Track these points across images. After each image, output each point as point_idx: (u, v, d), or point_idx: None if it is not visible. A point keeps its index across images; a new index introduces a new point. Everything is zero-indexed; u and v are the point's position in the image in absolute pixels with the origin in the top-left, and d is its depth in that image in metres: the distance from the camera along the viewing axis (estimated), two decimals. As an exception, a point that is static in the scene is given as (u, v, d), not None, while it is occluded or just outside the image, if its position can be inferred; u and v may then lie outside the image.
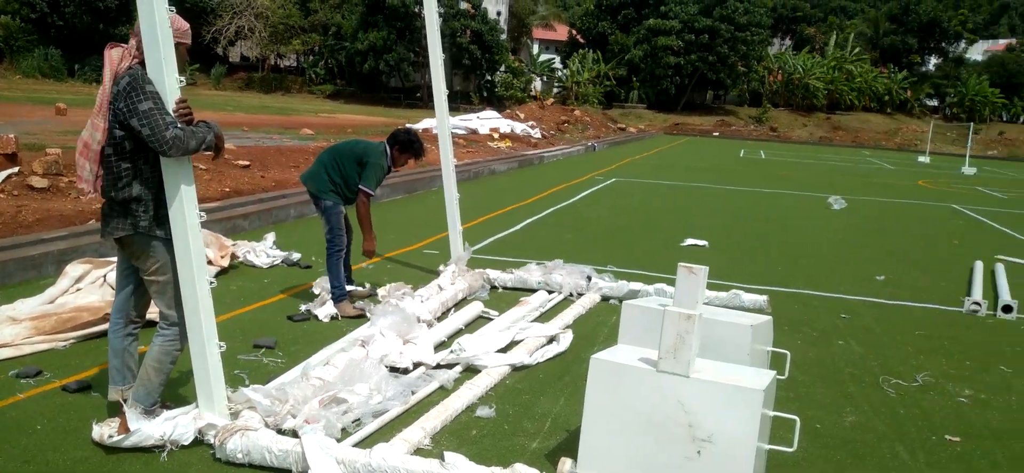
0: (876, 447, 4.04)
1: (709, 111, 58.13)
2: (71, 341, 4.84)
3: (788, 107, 58.23)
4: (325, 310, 5.76)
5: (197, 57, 51.01)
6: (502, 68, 52.81)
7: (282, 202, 9.92)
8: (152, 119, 3.31)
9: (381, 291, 6.30)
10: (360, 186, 5.94)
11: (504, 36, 56.60)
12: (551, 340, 5.32)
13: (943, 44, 68.25)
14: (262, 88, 53.18)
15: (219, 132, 3.61)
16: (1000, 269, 8.72)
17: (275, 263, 7.29)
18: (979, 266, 8.81)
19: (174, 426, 3.48)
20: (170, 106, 3.41)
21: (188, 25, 3.64)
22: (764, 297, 6.69)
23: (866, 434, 4.20)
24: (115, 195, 3.47)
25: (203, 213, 3.59)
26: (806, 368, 5.20)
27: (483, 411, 4.14)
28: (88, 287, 5.59)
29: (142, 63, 3.44)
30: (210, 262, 6.63)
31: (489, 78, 53.30)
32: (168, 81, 3.41)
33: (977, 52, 72.69)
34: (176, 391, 4.19)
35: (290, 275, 6.98)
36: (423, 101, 49.66)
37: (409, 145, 6.16)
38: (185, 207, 3.47)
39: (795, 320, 6.43)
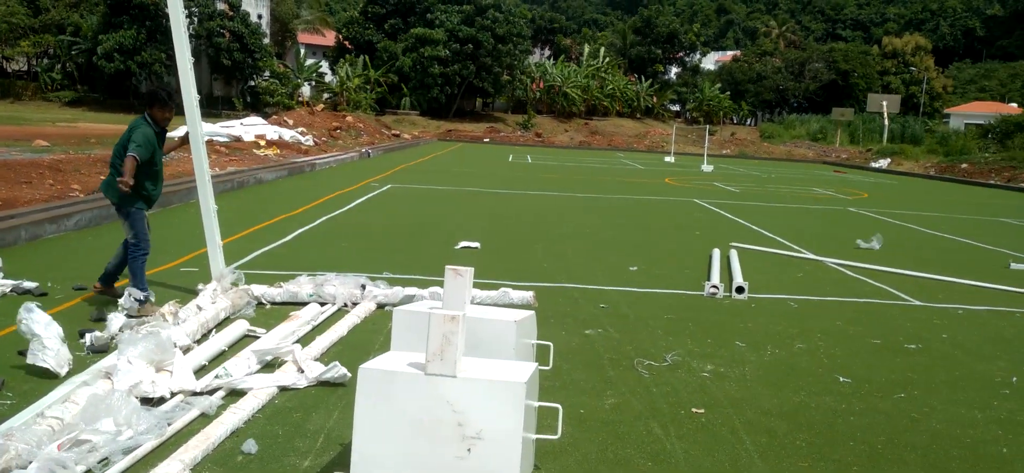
0: (633, 426, 4.38)
1: (479, 118, 59.87)
2: None
3: (550, 113, 61.49)
4: (117, 323, 5.39)
5: None
6: (266, 73, 50.77)
7: (11, 223, 8.78)
8: None
9: (165, 308, 5.75)
10: (128, 152, 6.06)
11: (267, 40, 54.41)
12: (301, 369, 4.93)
13: (681, 55, 75.78)
14: (-17, 95, 46.85)
15: None
16: (734, 255, 9.82)
17: (3, 292, 6.43)
18: (717, 253, 9.87)
19: None
20: None
21: None
22: (531, 293, 7.00)
23: (624, 414, 4.54)
24: None
25: None
26: (569, 357, 5.51)
27: (249, 437, 3.94)
28: None
29: None
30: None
31: (253, 83, 50.99)
32: None
33: (710, 62, 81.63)
34: None
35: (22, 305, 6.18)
36: (178, 107, 46.33)
37: (155, 97, 6.40)
38: None
39: (560, 313, 6.80)
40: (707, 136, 41.05)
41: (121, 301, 6.03)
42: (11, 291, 6.50)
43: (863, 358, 5.96)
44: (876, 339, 6.52)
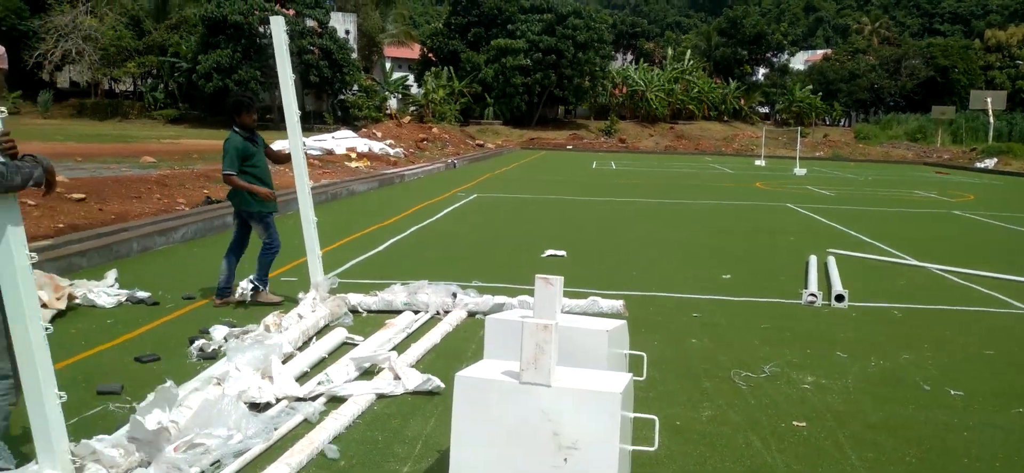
0: (731, 438, 4.29)
1: (561, 125, 59.89)
2: None
3: (634, 118, 60.97)
4: (222, 332, 5.71)
5: (19, 83, 47.16)
6: (354, 87, 52.15)
7: (124, 236, 9.31)
8: None
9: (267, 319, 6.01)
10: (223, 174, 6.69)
11: (355, 54, 55.92)
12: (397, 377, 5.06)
13: (769, 55, 73.86)
14: (96, 115, 49.84)
15: (49, 165, 3.35)
16: (832, 262, 9.49)
17: (120, 302, 6.82)
18: (813, 260, 9.56)
19: (9, 488, 3.18)
20: None
21: (3, 49, 3.36)
22: (621, 302, 6.95)
23: (722, 427, 4.45)
24: None
25: (34, 254, 3.32)
26: (663, 367, 5.45)
27: (351, 440, 4.05)
28: None
29: None
30: (44, 305, 6.12)
31: (342, 97, 52.47)
32: None
33: (799, 62, 79.24)
34: (17, 449, 3.83)
35: (136, 314, 6.55)
36: (274, 122, 48.11)
37: (237, 104, 6.83)
38: (13, 249, 3.19)
39: (651, 322, 6.72)
40: (799, 138, 39.88)
41: (241, 285, 6.82)
42: (126, 300, 6.89)
43: (975, 370, 5.66)
44: (989, 350, 6.18)
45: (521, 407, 3.24)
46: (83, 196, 11.33)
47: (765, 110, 71.95)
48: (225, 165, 6.68)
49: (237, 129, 6.76)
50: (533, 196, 18.31)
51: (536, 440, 3.23)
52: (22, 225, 3.27)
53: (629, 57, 78.17)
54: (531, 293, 6.96)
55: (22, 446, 3.86)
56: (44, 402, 3.29)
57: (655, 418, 3.56)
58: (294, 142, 6.69)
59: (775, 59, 74.94)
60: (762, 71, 74.98)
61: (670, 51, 69.31)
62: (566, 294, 6.53)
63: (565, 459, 3.21)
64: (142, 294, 7.01)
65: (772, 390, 5.09)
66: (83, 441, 3.53)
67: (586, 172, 28.08)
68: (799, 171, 30.93)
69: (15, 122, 33.93)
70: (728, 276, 8.95)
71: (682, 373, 5.38)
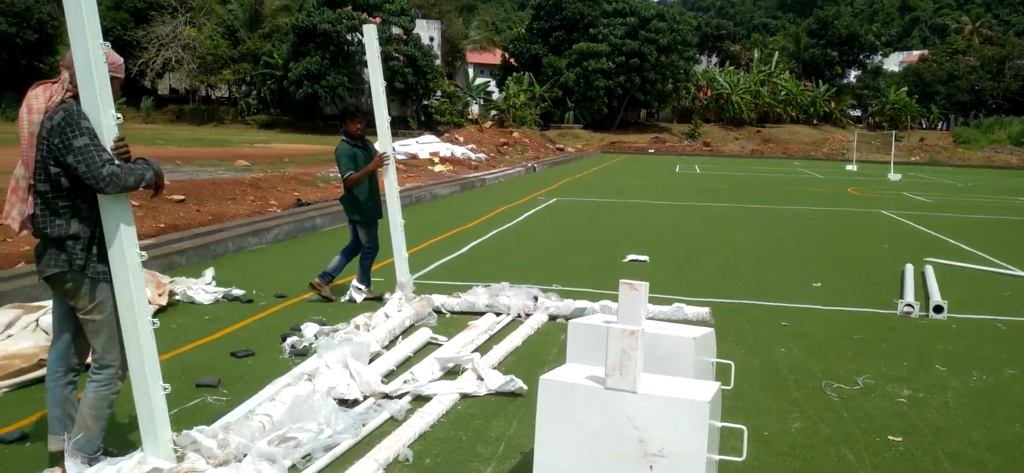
0: (823, 451, 4.15)
1: (643, 128, 59.30)
2: (4, 389, 4.64)
3: (719, 122, 59.82)
4: (312, 330, 5.93)
5: (123, 90, 49.81)
6: (438, 93, 52.94)
7: (220, 236, 9.72)
8: (88, 155, 3.22)
9: (357, 318, 6.20)
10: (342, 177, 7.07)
11: (438, 61, 56.76)
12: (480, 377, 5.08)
13: (861, 56, 71.17)
14: (194, 120, 52.14)
15: (158, 169, 3.53)
16: (929, 271, 9.08)
17: (217, 299, 7.12)
18: (910, 269, 9.16)
19: (118, 470, 3.36)
20: (107, 143, 3.32)
21: (122, 59, 3.56)
22: (706, 309, 6.83)
23: (813, 439, 4.31)
24: (50, 232, 3.35)
25: (143, 253, 3.50)
26: (751, 377, 5.32)
27: (436, 439, 4.12)
28: (20, 333, 5.36)
29: (75, 96, 3.35)
30: (148, 301, 6.44)
31: (426, 103, 53.32)
32: (104, 118, 3.33)
33: (893, 63, 76.02)
34: (124, 436, 4.05)
35: (232, 311, 6.82)
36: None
37: (345, 112, 7.25)
38: (124, 247, 3.37)
39: (738, 330, 6.58)
40: (893, 142, 38.32)
41: (350, 292, 7.21)
42: (223, 297, 7.18)
43: (1090, 388, 5.31)
44: (1105, 367, 5.79)
45: (606, 413, 3.22)
46: (182, 198, 11.88)
47: (857, 113, 69.39)
48: (342, 171, 7.04)
49: (345, 137, 7.07)
50: (614, 200, 18.18)
51: (621, 446, 3.21)
52: (133, 224, 3.46)
53: (714, 60, 76.70)
54: (613, 298, 6.94)
55: (129, 434, 4.08)
56: (150, 393, 3.46)
57: (743, 428, 3.49)
58: (384, 146, 6.86)
59: (868, 60, 72.18)
60: (854, 73, 72.33)
61: (757, 53, 67.65)
62: (650, 300, 6.44)
63: (651, 467, 3.17)
64: (237, 292, 7.30)
65: (866, 403, 4.90)
66: (184, 431, 3.70)
67: (669, 176, 27.70)
68: (894, 176, 29.72)
69: (120, 127, 35.78)
70: (818, 284, 8.68)
71: (770, 383, 5.24)
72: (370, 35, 6.69)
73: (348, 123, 7.07)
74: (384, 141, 6.85)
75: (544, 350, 5.90)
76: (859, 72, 71.96)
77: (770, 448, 4.17)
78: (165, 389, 3.54)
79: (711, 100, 61.33)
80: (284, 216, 11.79)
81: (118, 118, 3.40)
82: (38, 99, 3.34)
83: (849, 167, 36.99)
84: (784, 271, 9.52)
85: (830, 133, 59.45)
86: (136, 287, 3.41)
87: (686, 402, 3.13)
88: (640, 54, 53.67)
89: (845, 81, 70.47)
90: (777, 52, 68.27)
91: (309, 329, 5.95)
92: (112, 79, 3.39)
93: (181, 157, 21.69)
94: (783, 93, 61.93)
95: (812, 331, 6.65)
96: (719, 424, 3.48)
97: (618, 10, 57.49)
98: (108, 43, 3.35)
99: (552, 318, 6.78)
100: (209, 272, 7.68)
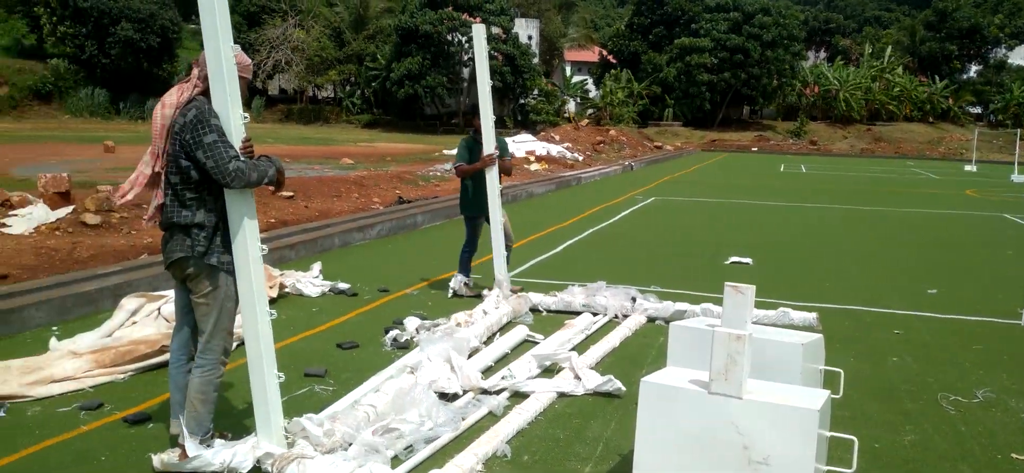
0: (938, 467, 3.95)
1: (746, 126, 57.68)
2: (130, 373, 4.97)
3: (826, 120, 57.52)
4: (413, 323, 6.10)
5: (241, 90, 52.18)
6: (535, 91, 53.08)
7: (327, 231, 10.07)
8: (216, 151, 3.42)
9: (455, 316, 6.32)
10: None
11: (536, 59, 56.90)
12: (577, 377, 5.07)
13: (983, 50, 66.90)
14: (301, 119, 54.14)
15: (280, 166, 3.71)
16: (1057, 279, 8.49)
17: (323, 292, 7.39)
18: (1035, 276, 8.58)
19: (233, 454, 3.55)
20: (236, 141, 3.51)
21: (250, 60, 3.75)
22: (813, 314, 6.60)
23: (927, 453, 4.10)
24: (177, 220, 3.57)
25: (264, 247, 3.67)
26: (861, 386, 5.10)
27: (533, 436, 4.14)
28: (143, 320, 5.72)
29: (204, 93, 3.55)
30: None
31: (522, 101, 53.58)
32: (233, 117, 3.51)
33: (1019, 57, 71.06)
34: (241, 421, 4.26)
35: (338, 304, 7.06)
36: (459, 127, 50.00)
37: (474, 109, 7.67)
38: (247, 240, 3.56)
39: (847, 337, 6.32)
40: (1018, 141, 35.89)
41: (451, 283, 7.51)
42: (329, 290, 7.45)
43: None
44: None
45: (709, 417, 3.17)
46: (292, 194, 12.38)
47: (977, 110, 65.28)
48: (457, 157, 7.42)
49: (473, 132, 7.33)
50: (715, 200, 17.78)
51: (724, 452, 3.15)
52: (256, 219, 3.64)
53: (822, 54, 73.75)
54: (715, 300, 6.80)
55: (245, 419, 4.29)
56: (265, 381, 3.63)
57: (854, 439, 3.36)
58: (488, 145, 6.92)
59: (990, 54, 67.73)
60: (974, 68, 68.05)
61: (868, 47, 64.65)
62: (754, 304, 6.28)
63: (755, 474, 3.10)
64: (343, 285, 7.55)
65: (986, 417, 4.62)
66: (295, 419, 3.86)
67: (773, 175, 26.87)
68: (1018, 178, 27.86)
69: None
70: (934, 291, 8.24)
71: (882, 393, 5.01)
72: (478, 35, 6.76)
73: (474, 119, 7.25)
74: (488, 142, 6.92)
75: (642, 352, 5.83)
76: (980, 67, 67.58)
77: (880, 461, 4.00)
78: (279, 377, 3.70)
79: (818, 97, 59.01)
80: (386, 213, 12.11)
81: (245, 117, 3.58)
82: (172, 96, 3.57)
83: (968, 167, 34.89)
84: (897, 276, 9.08)
85: (947, 131, 56.23)
86: (256, 278, 3.59)
87: (794, 410, 3.04)
88: (743, 50, 52.24)
89: (965, 76, 66.39)
90: (890, 46, 65.00)
91: (410, 323, 6.10)
92: (240, 79, 3.58)
93: (289, 155, 22.59)
94: (896, 89, 58.94)
95: (927, 340, 6.32)
96: (828, 434, 3.37)
97: (721, 5, 56.11)
98: (238, 45, 3.53)
99: (651, 320, 6.70)
100: (316, 266, 7.98)
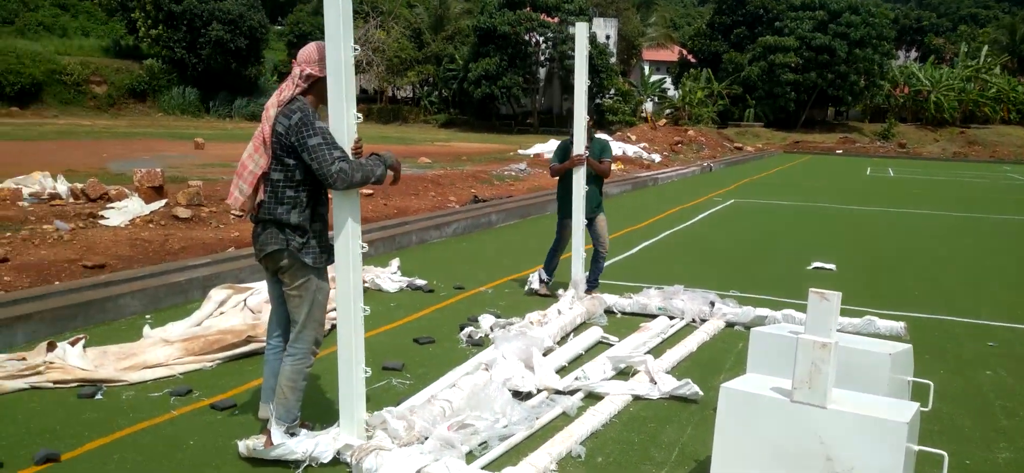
0: (1036, 487, 3.75)
1: (831, 128, 55.85)
2: (217, 361, 5.16)
3: (916, 122, 55.20)
4: (488, 321, 6.15)
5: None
6: (611, 91, 52.71)
7: (404, 229, 10.24)
8: (320, 153, 3.53)
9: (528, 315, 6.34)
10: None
11: (614, 59, 56.48)
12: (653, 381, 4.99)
13: (1093, 48, 63.05)
14: (380, 119, 55.24)
15: (392, 163, 3.76)
16: None
17: (401, 288, 7.52)
18: None
19: (315, 444, 3.65)
20: (349, 140, 3.61)
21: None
22: (901, 324, 6.35)
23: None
24: (275, 217, 3.69)
25: (365, 245, 3.77)
26: (951, 400, 4.88)
27: (607, 438, 4.11)
28: (231, 311, 5.94)
29: (304, 92, 3.65)
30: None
31: (598, 101, 53.27)
32: (348, 118, 3.59)
33: None
34: (326, 411, 4.37)
35: (415, 300, 7.18)
36: (534, 127, 50.12)
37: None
38: (350, 239, 3.66)
39: (937, 348, 6.06)
40: None
41: (529, 277, 7.56)
42: (406, 286, 7.58)
43: None
44: None
45: (792, 426, 3.09)
46: (371, 192, 12.63)
47: (1083, 112, 61.47)
48: (552, 158, 7.41)
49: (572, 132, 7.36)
50: (797, 203, 17.30)
51: (806, 462, 3.07)
52: (359, 220, 3.73)
53: (913, 54, 70.85)
54: (797, 307, 6.62)
55: (327, 409, 4.40)
56: (353, 374, 3.72)
57: (944, 454, 3.23)
58: (579, 144, 6.87)
59: (1100, 53, 63.77)
60: (1082, 67, 64.17)
61: (963, 47, 61.73)
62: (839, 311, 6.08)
63: (838, 486, 3.00)
64: (420, 282, 7.67)
65: (1093, 439, 4.36)
66: (376, 412, 3.94)
67: (859, 179, 25.96)
68: None
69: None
70: (1033, 303, 7.81)
71: (974, 408, 4.78)
72: (581, 32, 6.73)
73: (592, 125, 7.18)
74: (579, 142, 6.89)
75: (720, 358, 5.73)
76: (1088, 66, 63.77)
77: (974, 479, 3.81)
78: (366, 372, 3.79)
79: (908, 98, 56.67)
80: (462, 211, 12.23)
81: (358, 117, 3.66)
82: (274, 95, 3.70)
83: (1073, 173, 32.91)
84: (992, 286, 8.65)
85: (1050, 135, 53.16)
86: (355, 276, 3.70)
87: (882, 422, 2.94)
88: (830, 49, 50.59)
89: (1071, 76, 62.70)
90: (987, 45, 61.94)
91: (485, 321, 6.15)
92: None
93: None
94: (993, 90, 56.05)
95: (1025, 354, 6.00)
96: (916, 448, 3.24)
97: (805, 3, 54.50)
98: (358, 47, 3.60)
99: (729, 325, 6.56)
100: (395, 262, 8.12)
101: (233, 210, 3.88)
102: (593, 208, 7.22)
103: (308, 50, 3.68)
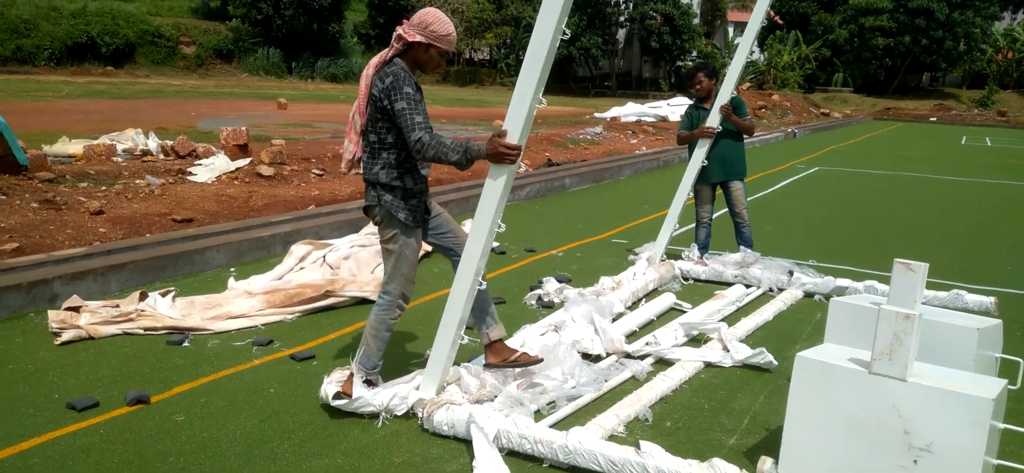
0: None
1: (924, 94, 53.25)
2: (297, 314, 5.35)
3: (1020, 89, 52.08)
4: (553, 285, 6.09)
5: (399, 53, 54.08)
6: (693, 53, 51.46)
7: (478, 191, 10.29)
8: (404, 118, 3.61)
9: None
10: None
11: (697, 20, 55.02)
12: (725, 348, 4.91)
13: None
14: (457, 81, 55.43)
15: (475, 155, 3.67)
16: None
17: (472, 249, 7.58)
18: None
19: (392, 395, 3.76)
20: (524, 130, 3.62)
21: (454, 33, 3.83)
22: (991, 298, 6.06)
23: (1121, 458, 3.69)
24: (368, 176, 3.82)
25: (502, 224, 3.84)
26: (1044, 380, 4.65)
27: (677, 404, 4.09)
28: (310, 266, 6.13)
29: (400, 54, 3.71)
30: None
31: (679, 64, 52.11)
32: (532, 98, 3.53)
33: None
34: (405, 366, 4.49)
35: (487, 261, 7.21)
36: (611, 90, 49.46)
37: (692, 72, 7.11)
38: (490, 208, 3.78)
39: (1030, 326, 5.77)
40: None
41: (685, 253, 7.15)
42: (480, 248, 7.64)
43: None
44: None
45: (868, 398, 3.01)
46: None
47: None
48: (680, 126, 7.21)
49: (690, 97, 7.18)
50: (885, 172, 16.62)
51: (882, 435, 2.98)
52: (507, 193, 3.82)
53: (1020, 16, 66.61)
54: (879, 278, 6.40)
55: (408, 362, 4.51)
56: (451, 338, 3.82)
57: (1033, 435, 3.08)
58: (712, 120, 6.79)
59: None
60: None
61: (1076, 7, 57.69)
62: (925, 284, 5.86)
63: (915, 460, 2.92)
64: (492, 244, 7.70)
65: None
66: (453, 367, 4.02)
67: (953, 148, 24.75)
68: None
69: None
70: None
71: (1069, 389, 4.54)
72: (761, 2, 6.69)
73: (693, 83, 7.04)
74: (713, 115, 6.78)
75: (797, 328, 5.60)
76: None
77: (1065, 463, 3.63)
78: (462, 340, 3.87)
79: (1011, 63, 53.47)
80: (535, 175, 12.22)
81: (541, 102, 3.62)
82: (374, 56, 3.77)
83: None
84: (1096, 263, 8.16)
85: None
86: (485, 247, 3.81)
87: (965, 397, 2.83)
88: (927, 11, 48.02)
89: None
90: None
91: (555, 284, 6.15)
92: (443, 52, 3.74)
93: (446, 116, 23.24)
94: (1109, 54, 52.37)
95: None
96: (1001, 426, 3.11)
97: (902, -39, 51.91)
98: (567, 31, 3.49)
99: (808, 295, 6.40)
100: (468, 223, 8.17)
101: (343, 166, 3.98)
102: (735, 172, 7.06)
103: (420, 14, 3.72)
